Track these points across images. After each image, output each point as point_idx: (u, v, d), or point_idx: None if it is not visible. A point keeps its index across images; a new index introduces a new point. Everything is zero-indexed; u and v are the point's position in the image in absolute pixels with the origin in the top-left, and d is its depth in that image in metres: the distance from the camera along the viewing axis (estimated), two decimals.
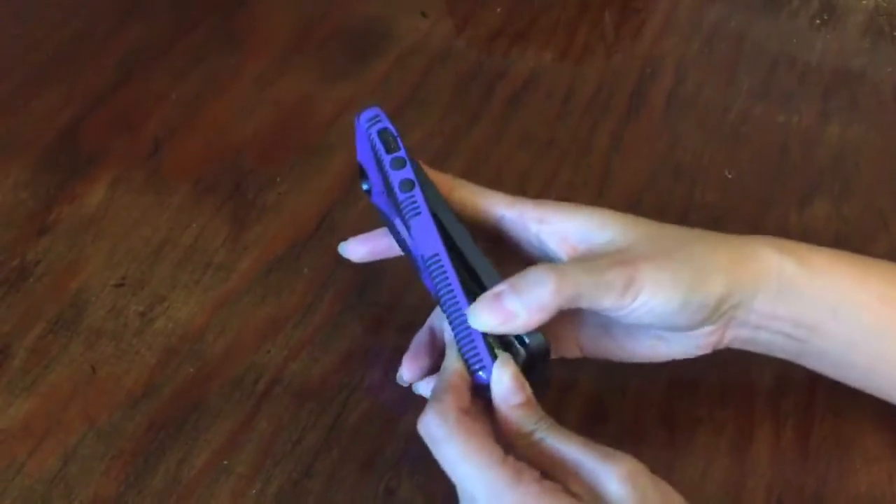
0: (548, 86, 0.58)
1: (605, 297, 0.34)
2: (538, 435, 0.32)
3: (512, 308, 0.33)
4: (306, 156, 0.52)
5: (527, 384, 0.33)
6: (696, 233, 0.38)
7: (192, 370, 0.42)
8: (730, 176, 0.52)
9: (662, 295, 0.35)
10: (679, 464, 0.39)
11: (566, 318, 0.38)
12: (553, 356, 0.37)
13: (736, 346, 0.39)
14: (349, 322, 0.44)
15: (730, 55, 0.60)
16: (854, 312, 0.37)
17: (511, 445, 0.33)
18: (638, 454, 0.39)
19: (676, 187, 0.51)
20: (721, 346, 0.38)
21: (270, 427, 0.40)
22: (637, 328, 0.38)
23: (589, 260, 0.36)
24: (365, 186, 0.42)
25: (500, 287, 0.34)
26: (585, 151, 0.53)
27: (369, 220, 0.49)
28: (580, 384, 0.42)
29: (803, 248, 0.38)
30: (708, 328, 0.37)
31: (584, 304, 0.35)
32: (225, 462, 0.39)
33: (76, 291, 0.45)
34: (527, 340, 0.34)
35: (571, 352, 0.40)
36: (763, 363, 0.43)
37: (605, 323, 0.38)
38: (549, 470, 0.31)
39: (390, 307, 0.45)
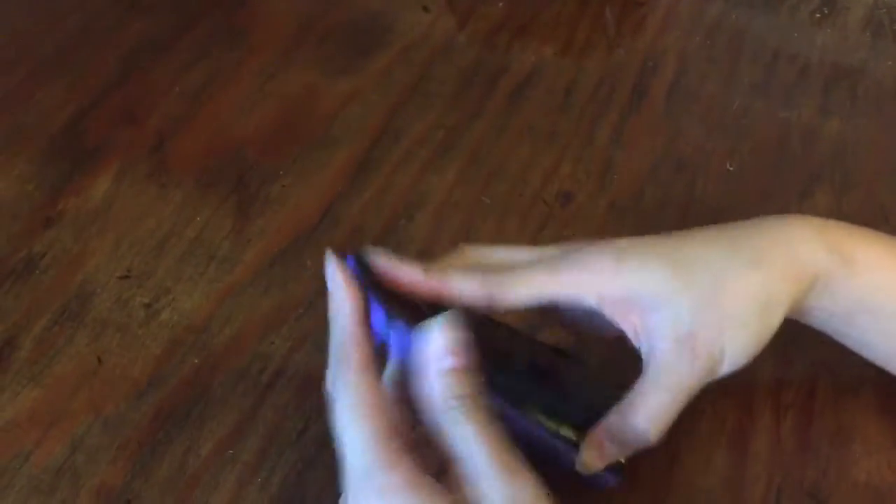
0: (549, 80, 0.58)
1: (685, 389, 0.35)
2: (452, 415, 0.28)
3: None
4: (309, 149, 0.53)
5: (469, 350, 0.29)
6: (745, 257, 0.35)
7: (197, 361, 0.42)
8: (731, 168, 0.53)
9: (744, 355, 0.35)
10: (680, 456, 0.39)
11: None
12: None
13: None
14: None
15: (731, 49, 0.60)
16: (888, 307, 0.37)
17: (417, 419, 0.29)
18: (637, 451, 0.40)
19: (678, 180, 0.52)
20: None
21: (275, 417, 0.40)
22: None
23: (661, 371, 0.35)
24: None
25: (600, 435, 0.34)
26: (587, 145, 0.53)
27: (372, 213, 0.50)
28: None
29: (846, 240, 0.37)
30: None
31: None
32: (230, 451, 0.39)
33: (82, 283, 0.45)
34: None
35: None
36: (764, 356, 0.43)
37: None
38: (444, 461, 0.28)
39: None
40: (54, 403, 0.41)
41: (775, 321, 0.35)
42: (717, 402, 0.41)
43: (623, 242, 0.36)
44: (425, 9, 0.62)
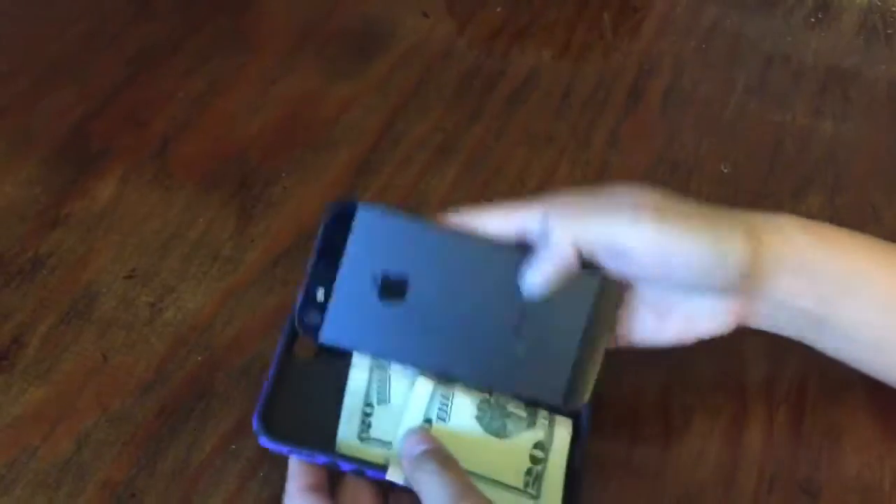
0: (547, 83, 0.59)
1: (628, 237, 0.36)
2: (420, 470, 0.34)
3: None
4: (310, 152, 0.53)
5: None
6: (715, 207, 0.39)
7: (200, 359, 0.43)
8: (725, 170, 0.53)
9: (689, 243, 0.36)
10: (673, 449, 0.40)
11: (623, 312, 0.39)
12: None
13: (756, 324, 0.39)
14: None
15: (726, 53, 0.61)
16: (867, 287, 0.38)
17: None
18: (633, 439, 0.41)
19: (673, 181, 0.53)
20: (745, 323, 0.39)
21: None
22: (673, 304, 0.39)
23: None
24: None
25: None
26: (584, 147, 0.54)
27: None
28: None
29: (824, 226, 0.39)
30: (738, 300, 0.38)
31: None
32: (233, 447, 0.40)
33: (88, 283, 0.46)
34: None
35: (622, 342, 0.40)
36: (757, 354, 0.44)
37: (642, 316, 0.39)
38: None
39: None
40: (61, 400, 0.41)
41: (732, 242, 0.36)
42: (710, 397, 0.42)
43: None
44: (425, 14, 0.63)
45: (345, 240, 0.37)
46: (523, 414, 0.37)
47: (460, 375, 0.38)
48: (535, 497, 0.36)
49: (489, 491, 0.35)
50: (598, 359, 0.38)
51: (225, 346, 0.44)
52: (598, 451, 0.39)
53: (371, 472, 0.35)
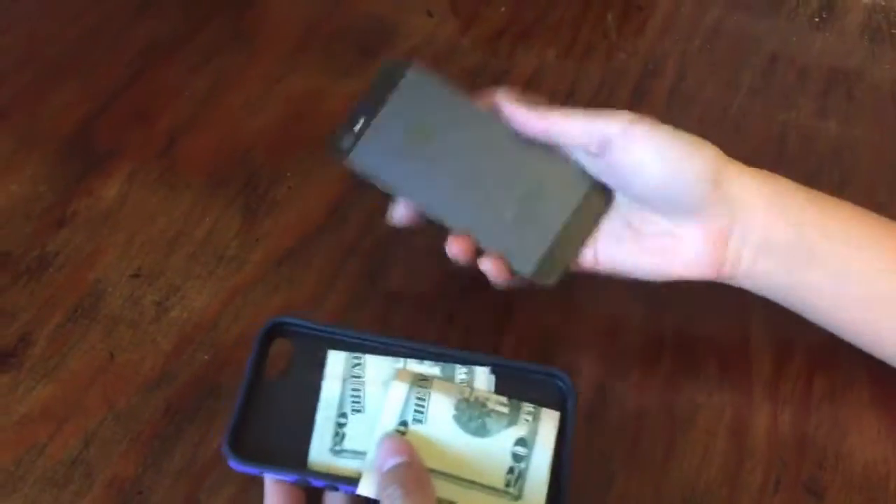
0: (551, 83, 0.59)
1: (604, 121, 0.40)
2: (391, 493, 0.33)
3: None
4: (315, 150, 0.53)
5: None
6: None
7: (206, 357, 0.43)
8: None
9: (654, 145, 0.39)
10: (678, 447, 0.40)
11: None
12: (573, 268, 0.42)
13: (739, 278, 0.40)
14: (358, 311, 0.45)
15: (730, 53, 0.61)
16: (851, 239, 0.39)
17: None
18: (637, 441, 0.41)
19: None
20: (725, 271, 0.40)
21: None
22: (650, 224, 0.40)
23: None
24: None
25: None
26: None
27: (378, 213, 0.50)
28: (583, 371, 0.43)
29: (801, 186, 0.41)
30: (710, 226, 0.39)
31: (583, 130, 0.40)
32: None
33: (94, 281, 0.46)
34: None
35: (588, 262, 0.42)
36: (762, 352, 0.44)
37: (620, 232, 0.41)
38: None
39: (398, 297, 0.46)
40: (68, 398, 0.42)
41: (701, 154, 0.40)
42: (715, 396, 0.42)
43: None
44: (429, 13, 0.63)
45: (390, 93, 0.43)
46: (504, 410, 0.36)
47: (452, 222, 0.42)
48: (517, 497, 0.35)
49: (468, 494, 0.35)
50: (574, 251, 0.42)
51: (231, 344, 0.44)
52: (603, 446, 0.40)
53: (343, 487, 0.35)
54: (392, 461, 0.34)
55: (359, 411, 0.37)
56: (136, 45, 0.59)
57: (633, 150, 0.40)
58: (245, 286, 0.46)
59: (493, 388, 0.37)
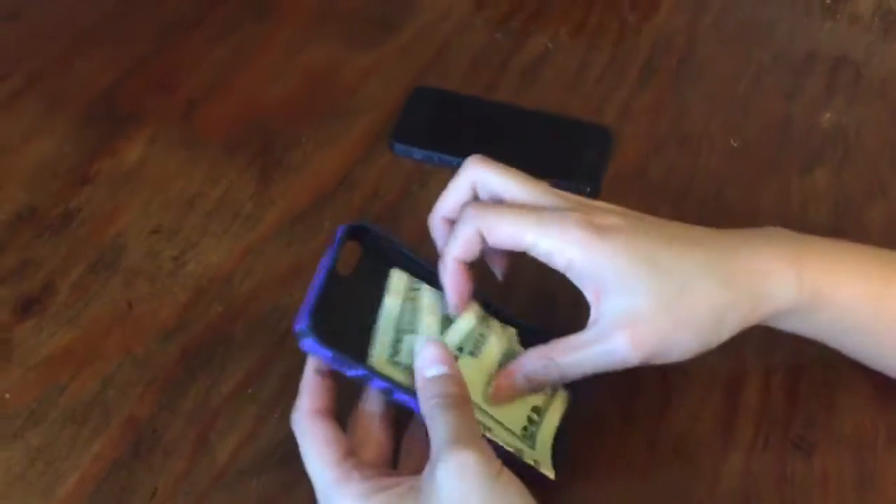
0: (562, 58, 0.60)
1: (606, 364, 0.37)
2: (433, 407, 0.34)
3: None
4: (330, 119, 0.55)
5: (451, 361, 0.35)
6: (699, 261, 0.37)
7: (220, 309, 0.45)
8: (735, 144, 0.54)
9: (685, 355, 0.37)
10: (673, 402, 0.42)
11: None
12: None
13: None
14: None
15: (740, 31, 0.62)
16: (867, 337, 0.39)
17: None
18: (633, 395, 0.42)
19: (682, 153, 0.54)
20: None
21: (291, 362, 0.43)
22: None
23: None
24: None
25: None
26: (595, 119, 0.56)
27: (388, 180, 0.52)
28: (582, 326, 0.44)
29: (824, 276, 0.37)
30: None
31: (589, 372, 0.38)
32: (249, 391, 0.42)
33: (115, 236, 0.48)
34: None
35: None
36: None
37: None
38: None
39: None
40: (88, 343, 0.44)
41: (724, 335, 0.37)
42: (710, 358, 0.43)
43: (611, 220, 0.37)
44: None
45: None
46: None
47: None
48: (532, 447, 0.38)
49: (496, 428, 0.37)
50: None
51: (244, 297, 0.46)
52: (597, 406, 0.41)
53: (399, 395, 0.36)
54: (436, 369, 0.35)
55: (413, 332, 0.38)
56: (161, 16, 0.62)
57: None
58: (258, 244, 0.48)
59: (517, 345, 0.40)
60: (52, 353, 0.43)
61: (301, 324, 0.36)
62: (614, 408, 0.41)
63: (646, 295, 0.36)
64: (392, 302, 0.39)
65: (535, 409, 0.39)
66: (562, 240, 0.36)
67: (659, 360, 0.37)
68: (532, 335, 0.40)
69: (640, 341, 0.36)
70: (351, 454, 0.35)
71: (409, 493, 0.32)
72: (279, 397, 0.42)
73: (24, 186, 0.51)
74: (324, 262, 0.38)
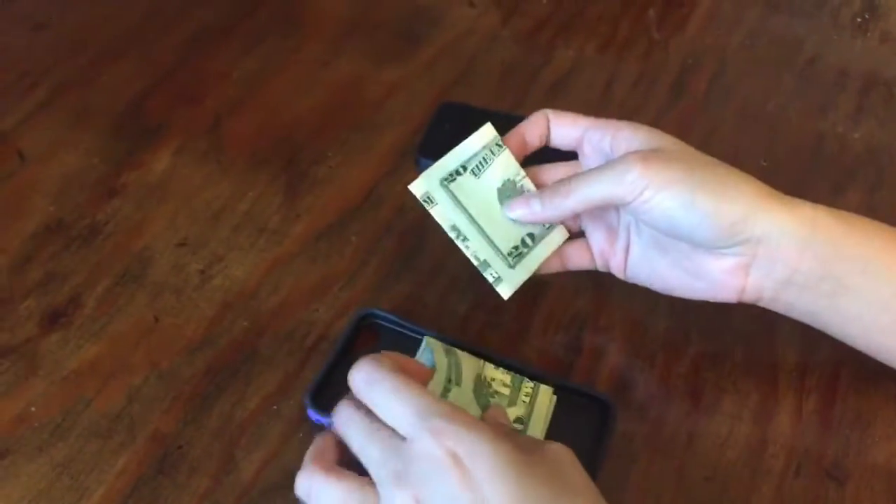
0: (589, 75, 0.60)
1: (615, 189, 0.38)
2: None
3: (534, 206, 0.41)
4: (356, 133, 0.55)
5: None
6: (736, 171, 0.40)
7: (246, 324, 0.45)
8: (765, 164, 0.54)
9: (669, 191, 0.38)
10: (702, 428, 0.41)
11: (616, 236, 0.43)
12: (601, 269, 0.44)
13: (763, 303, 0.40)
14: (392, 287, 0.47)
15: (770, 50, 0.62)
16: (884, 270, 0.38)
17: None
18: (662, 417, 0.41)
19: None
20: (747, 297, 0.40)
21: (317, 378, 0.43)
22: (671, 256, 0.40)
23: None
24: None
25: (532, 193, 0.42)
26: None
27: (412, 196, 0.52)
28: (609, 354, 0.44)
29: (840, 210, 0.40)
30: (729, 260, 0.39)
31: (599, 201, 0.39)
32: (274, 407, 0.42)
33: (142, 249, 0.48)
34: None
35: (618, 273, 0.43)
36: (787, 342, 0.44)
37: (647, 251, 0.42)
38: None
39: (431, 274, 0.48)
40: (114, 357, 0.44)
41: (724, 201, 0.38)
42: (741, 382, 0.43)
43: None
44: (471, 4, 0.65)
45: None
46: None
47: None
48: (510, 267, 0.41)
49: (471, 235, 0.41)
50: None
51: (269, 312, 0.46)
52: (626, 428, 0.40)
53: None
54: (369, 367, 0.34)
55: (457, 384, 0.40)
56: (188, 29, 0.62)
57: (654, 211, 0.38)
58: (284, 258, 0.48)
59: (552, 406, 0.41)
60: (78, 366, 0.43)
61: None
62: (643, 434, 0.41)
63: (672, 150, 0.40)
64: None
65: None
66: (616, 126, 0.41)
67: (656, 198, 0.38)
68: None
69: (649, 167, 0.38)
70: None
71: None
72: (304, 414, 0.41)
73: (51, 198, 0.51)
74: (336, 346, 0.42)
